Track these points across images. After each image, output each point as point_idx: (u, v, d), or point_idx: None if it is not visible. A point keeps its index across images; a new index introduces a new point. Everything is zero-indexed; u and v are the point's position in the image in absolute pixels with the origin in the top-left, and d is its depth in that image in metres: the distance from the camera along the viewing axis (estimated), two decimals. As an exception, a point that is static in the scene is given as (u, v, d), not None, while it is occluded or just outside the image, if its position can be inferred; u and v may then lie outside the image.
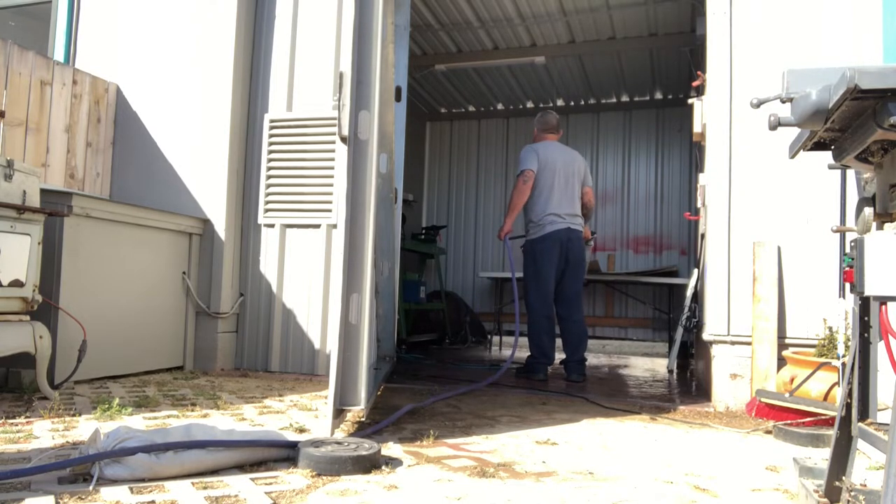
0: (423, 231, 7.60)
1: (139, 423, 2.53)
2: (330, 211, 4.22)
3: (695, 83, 4.29)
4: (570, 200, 4.66)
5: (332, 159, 4.22)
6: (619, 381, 4.64)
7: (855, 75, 1.20)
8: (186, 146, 4.41)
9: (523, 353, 5.15)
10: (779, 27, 3.51)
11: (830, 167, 1.85)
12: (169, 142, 4.46)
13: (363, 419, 2.75)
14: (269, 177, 4.37)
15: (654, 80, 7.47)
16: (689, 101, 4.24)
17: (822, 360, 2.98)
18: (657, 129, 8.08)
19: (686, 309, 5.20)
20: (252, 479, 1.85)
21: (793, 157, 1.73)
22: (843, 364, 2.62)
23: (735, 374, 3.43)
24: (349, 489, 1.80)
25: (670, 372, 5.35)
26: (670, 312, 7.17)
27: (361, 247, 2.45)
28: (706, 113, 3.70)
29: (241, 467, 1.95)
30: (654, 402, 3.63)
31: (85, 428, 2.40)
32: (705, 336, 3.59)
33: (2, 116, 3.52)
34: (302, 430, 2.51)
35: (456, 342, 7.41)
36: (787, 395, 2.99)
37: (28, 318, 2.87)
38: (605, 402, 3.49)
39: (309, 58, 4.38)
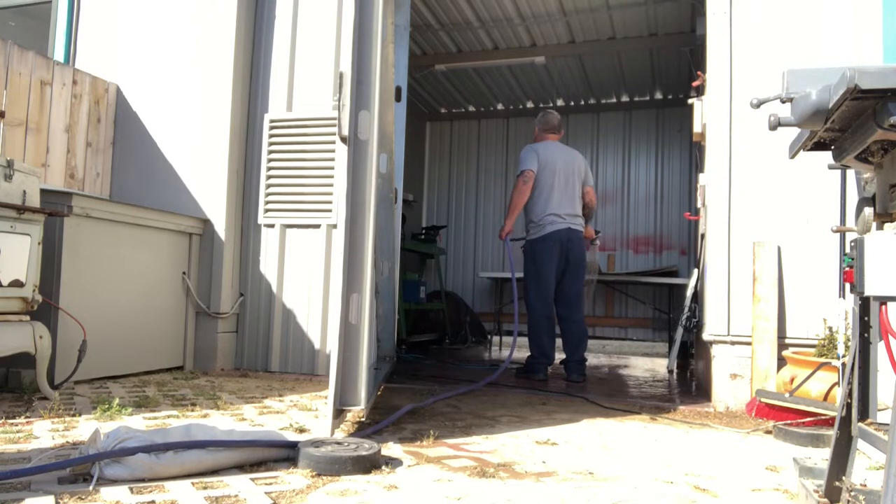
0: (423, 231, 7.60)
1: (139, 423, 2.53)
2: (330, 211, 4.22)
3: (695, 83, 4.29)
4: (571, 200, 4.66)
5: (332, 159, 4.22)
6: (619, 382, 4.64)
7: (855, 75, 1.20)
8: (186, 146, 4.41)
9: (523, 353, 5.15)
10: (779, 27, 3.51)
11: (830, 167, 1.86)
12: (169, 142, 4.46)
13: (363, 419, 2.75)
14: (269, 177, 4.37)
15: (654, 80, 7.47)
16: (689, 101, 4.24)
17: (822, 360, 2.98)
18: (657, 129, 8.08)
19: (686, 309, 5.20)
20: (252, 479, 1.85)
21: (793, 157, 1.73)
22: (843, 364, 2.62)
23: (735, 374, 3.43)
24: (349, 489, 1.80)
25: (670, 372, 5.35)
26: (670, 312, 7.17)
27: (361, 247, 2.45)
28: (706, 113, 3.70)
29: (241, 467, 1.95)
30: (654, 402, 3.63)
31: (85, 428, 2.40)
32: (705, 336, 3.59)
33: (2, 116, 3.52)
34: (302, 430, 2.51)
35: (456, 342, 7.41)
36: (787, 395, 2.99)
37: (28, 318, 2.87)
38: (605, 403, 3.49)
39: (309, 58, 4.38)
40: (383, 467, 2.02)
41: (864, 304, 1.60)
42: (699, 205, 4.31)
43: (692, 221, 6.47)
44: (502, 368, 4.30)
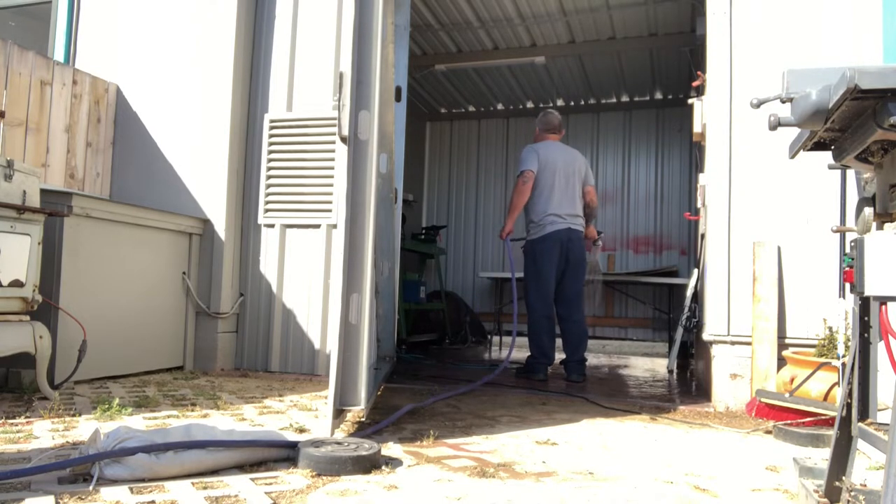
0: (423, 231, 7.60)
1: (139, 423, 2.53)
2: (330, 211, 4.22)
3: (695, 83, 4.29)
4: (571, 200, 4.66)
5: (332, 159, 4.22)
6: (619, 381, 4.64)
7: (855, 75, 1.20)
8: (186, 146, 4.41)
9: (523, 353, 5.15)
10: (779, 27, 3.51)
11: (830, 167, 1.85)
12: (169, 142, 4.46)
13: (363, 419, 2.75)
14: (269, 177, 4.37)
15: (654, 80, 7.47)
16: (689, 101, 4.24)
17: (822, 360, 2.98)
18: (657, 129, 8.08)
19: (686, 309, 5.20)
20: (252, 479, 1.85)
21: (793, 157, 1.73)
22: (843, 364, 2.62)
23: (735, 374, 3.43)
24: (349, 489, 1.80)
25: (670, 372, 5.34)
26: (670, 312, 7.17)
27: (361, 247, 2.45)
28: (706, 113, 3.70)
29: (241, 467, 1.95)
30: (654, 402, 3.63)
31: (85, 428, 2.40)
32: (705, 336, 3.59)
33: (2, 116, 3.52)
34: (302, 430, 2.51)
35: (456, 342, 7.41)
36: (787, 395, 2.99)
37: (28, 318, 2.87)
38: (605, 402, 3.49)
39: (309, 58, 4.38)
40: (383, 467, 2.02)
41: (864, 304, 1.60)
42: (699, 205, 4.31)
43: (692, 221, 6.47)
44: (501, 368, 4.30)
